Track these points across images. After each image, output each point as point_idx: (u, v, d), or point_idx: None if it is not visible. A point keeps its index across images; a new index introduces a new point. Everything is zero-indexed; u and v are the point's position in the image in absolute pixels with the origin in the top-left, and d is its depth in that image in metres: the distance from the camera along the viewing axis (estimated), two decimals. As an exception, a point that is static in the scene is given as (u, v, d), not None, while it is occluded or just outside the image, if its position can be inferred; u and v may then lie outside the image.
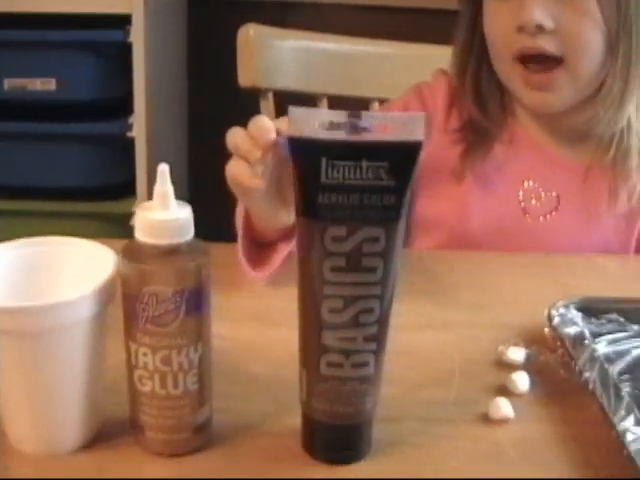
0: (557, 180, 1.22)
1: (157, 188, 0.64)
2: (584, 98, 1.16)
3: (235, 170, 0.86)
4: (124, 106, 1.99)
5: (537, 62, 1.12)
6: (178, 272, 0.64)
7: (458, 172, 1.21)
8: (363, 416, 0.68)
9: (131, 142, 1.99)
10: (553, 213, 1.21)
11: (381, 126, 0.61)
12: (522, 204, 1.22)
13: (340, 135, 0.60)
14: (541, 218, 1.22)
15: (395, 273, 0.64)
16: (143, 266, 0.64)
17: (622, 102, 1.14)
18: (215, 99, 2.38)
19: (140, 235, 0.64)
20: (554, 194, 1.22)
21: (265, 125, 0.83)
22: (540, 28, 1.09)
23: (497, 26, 1.15)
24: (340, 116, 0.61)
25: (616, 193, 1.19)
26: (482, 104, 1.21)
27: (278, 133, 0.83)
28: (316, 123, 0.61)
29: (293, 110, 0.61)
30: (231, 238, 0.99)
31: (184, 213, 0.65)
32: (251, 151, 0.84)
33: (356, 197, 0.61)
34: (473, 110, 1.21)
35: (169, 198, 0.65)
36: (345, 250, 0.62)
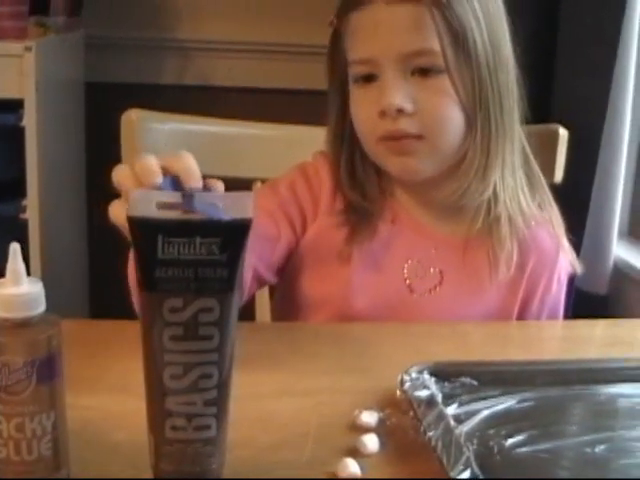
0: (439, 256, 1.25)
1: (9, 266, 0.69)
2: (448, 170, 1.21)
3: (115, 211, 0.84)
4: (18, 188, 2.02)
5: (399, 140, 1.17)
6: (29, 343, 0.69)
7: (345, 255, 1.24)
8: (209, 475, 0.72)
9: (24, 224, 2.01)
10: (437, 288, 1.25)
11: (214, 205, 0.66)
12: (407, 281, 1.24)
13: (176, 214, 0.66)
14: (426, 294, 1.25)
15: (232, 341, 0.69)
16: (-4, 338, 0.68)
17: (485, 174, 1.19)
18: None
19: (-7, 309, 0.69)
20: (437, 270, 1.25)
21: (150, 167, 0.80)
22: (400, 112, 1.14)
23: (361, 112, 1.20)
24: (176, 197, 0.67)
25: (496, 263, 1.24)
26: (359, 188, 1.25)
27: (165, 172, 0.81)
28: (154, 204, 0.66)
29: (134, 192, 0.67)
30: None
31: (35, 288, 0.70)
32: None
33: (191, 271, 0.66)
34: (351, 195, 1.25)
35: (21, 275, 0.69)
36: (182, 320, 0.67)
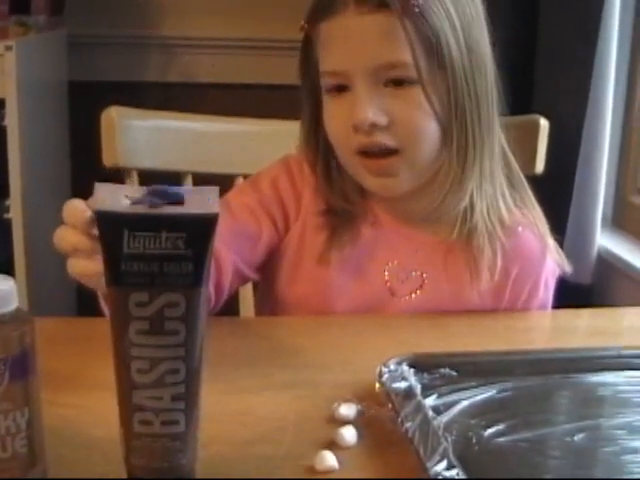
0: (420, 259, 1.23)
1: (-22, 264, 0.69)
2: (424, 182, 1.18)
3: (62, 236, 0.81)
4: (1, 188, 2.02)
5: (376, 154, 1.14)
6: (1, 341, 0.68)
7: (325, 258, 1.22)
8: (179, 471, 0.72)
9: (8, 224, 2.01)
10: (418, 292, 1.23)
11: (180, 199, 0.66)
12: (388, 284, 1.23)
13: (142, 209, 0.66)
14: (407, 297, 1.23)
15: (200, 336, 0.69)
16: (-34, 337, 0.68)
17: (461, 185, 1.16)
18: (99, 179, 2.41)
19: (-37, 308, 0.68)
20: (418, 273, 1.23)
21: (77, 207, 0.79)
22: (374, 126, 1.11)
23: (335, 124, 1.17)
24: (142, 191, 0.67)
25: (477, 270, 1.21)
26: (338, 191, 1.23)
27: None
28: (120, 198, 0.66)
29: (99, 186, 0.67)
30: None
31: (5, 286, 0.69)
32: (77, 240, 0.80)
33: (156, 265, 0.66)
34: (331, 197, 1.23)
35: (-11, 272, 0.69)
36: (148, 314, 0.67)
